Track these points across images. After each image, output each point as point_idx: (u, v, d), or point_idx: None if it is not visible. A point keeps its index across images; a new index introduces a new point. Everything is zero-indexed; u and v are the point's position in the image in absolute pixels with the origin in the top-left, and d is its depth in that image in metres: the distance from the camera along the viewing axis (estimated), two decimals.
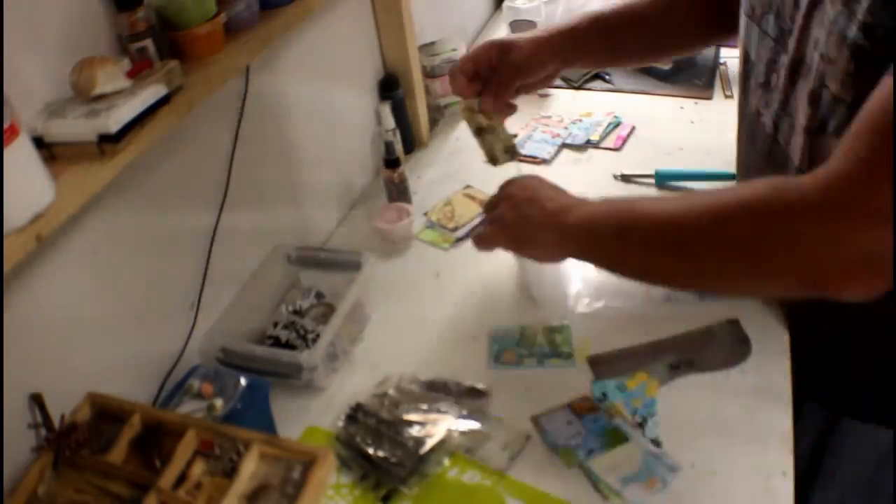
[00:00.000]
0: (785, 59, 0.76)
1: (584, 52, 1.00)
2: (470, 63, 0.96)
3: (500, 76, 0.95)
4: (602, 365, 0.90)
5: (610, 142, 1.35)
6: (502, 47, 0.95)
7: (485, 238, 0.87)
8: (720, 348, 0.89)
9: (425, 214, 1.22)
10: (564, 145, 1.35)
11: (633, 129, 1.37)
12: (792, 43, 0.74)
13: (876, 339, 0.79)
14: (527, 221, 0.82)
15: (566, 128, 1.39)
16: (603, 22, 0.98)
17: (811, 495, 0.93)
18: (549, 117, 1.45)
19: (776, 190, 0.62)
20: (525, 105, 1.49)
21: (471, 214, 1.20)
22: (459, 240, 1.16)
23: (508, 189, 0.87)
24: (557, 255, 0.84)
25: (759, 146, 0.86)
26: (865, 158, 0.56)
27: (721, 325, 0.91)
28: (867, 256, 0.57)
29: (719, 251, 0.66)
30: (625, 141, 1.34)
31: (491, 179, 1.28)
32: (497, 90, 0.96)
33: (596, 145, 1.34)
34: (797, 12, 0.72)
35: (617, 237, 0.75)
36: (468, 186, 1.27)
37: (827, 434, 0.91)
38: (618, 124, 1.39)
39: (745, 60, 0.86)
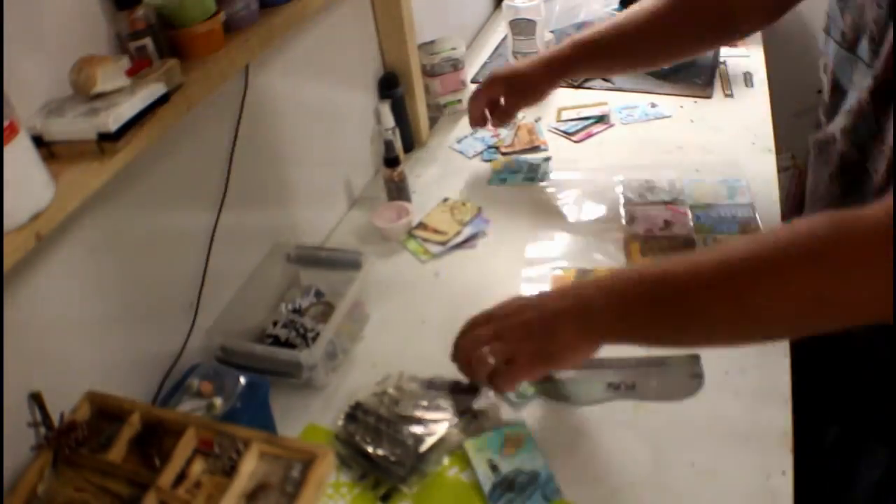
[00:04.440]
0: (872, 83, 0.74)
1: (576, 73, 1.27)
2: (483, 96, 1.20)
3: (507, 106, 1.20)
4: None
5: (578, 136, 1.38)
6: (507, 81, 1.18)
7: (509, 378, 0.74)
8: (668, 380, 0.87)
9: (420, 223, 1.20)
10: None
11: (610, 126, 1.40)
12: (880, 65, 0.72)
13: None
14: (548, 333, 0.72)
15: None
16: (590, 45, 1.11)
17: None
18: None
19: (839, 230, 0.58)
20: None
21: (449, 227, 1.18)
22: (438, 255, 1.14)
23: (503, 318, 0.75)
24: (591, 349, 0.73)
25: (832, 170, 0.85)
26: None
27: (678, 357, 0.88)
28: None
29: (792, 304, 0.60)
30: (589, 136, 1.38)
31: (486, 181, 1.29)
32: (503, 116, 1.22)
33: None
34: (887, 35, 0.70)
35: (664, 306, 0.67)
36: (447, 199, 1.25)
37: (850, 461, 0.90)
38: (600, 119, 1.41)
39: (835, 88, 0.84)
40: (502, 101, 1.21)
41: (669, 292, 0.66)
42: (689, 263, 0.66)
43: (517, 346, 0.73)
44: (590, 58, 1.12)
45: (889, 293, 0.55)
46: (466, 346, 0.76)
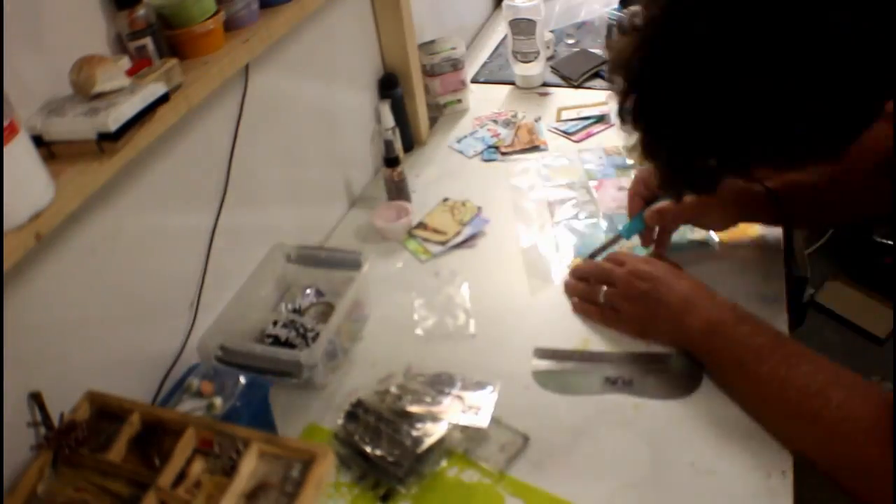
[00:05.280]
0: None
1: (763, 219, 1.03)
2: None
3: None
4: (546, 358, 0.92)
5: (578, 135, 1.38)
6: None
7: (606, 321, 0.95)
8: (666, 378, 0.87)
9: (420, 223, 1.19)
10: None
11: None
12: None
13: None
14: (651, 317, 0.89)
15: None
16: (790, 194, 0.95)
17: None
18: (499, 112, 1.48)
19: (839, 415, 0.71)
20: (522, 102, 1.51)
21: (449, 227, 1.17)
22: (437, 254, 1.14)
23: (626, 275, 0.92)
24: (677, 345, 0.89)
25: None
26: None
27: (678, 357, 0.88)
28: None
29: (819, 447, 0.74)
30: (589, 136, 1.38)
31: (485, 180, 1.29)
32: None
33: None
34: None
35: (730, 371, 0.82)
36: (447, 199, 1.24)
37: None
38: (600, 119, 1.41)
39: None
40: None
41: (739, 361, 0.81)
42: (764, 349, 0.79)
43: (625, 303, 0.92)
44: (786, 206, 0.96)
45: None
46: (593, 272, 0.98)
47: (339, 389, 0.92)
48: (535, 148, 1.36)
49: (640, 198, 1.02)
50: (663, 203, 0.98)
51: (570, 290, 1.02)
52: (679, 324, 0.86)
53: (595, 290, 0.96)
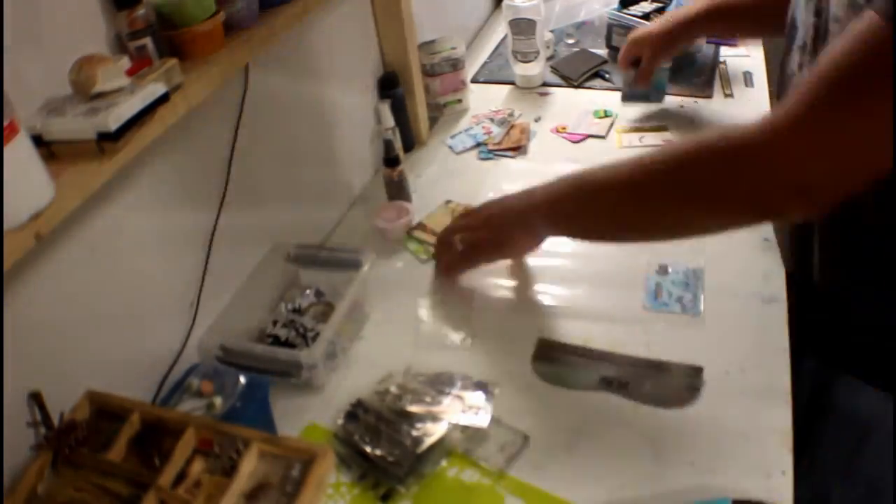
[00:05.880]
0: (815, 21, 0.83)
1: (705, 33, 1.37)
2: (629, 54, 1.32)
3: (647, 64, 1.30)
4: (548, 349, 0.93)
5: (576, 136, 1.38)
6: (649, 42, 1.29)
7: (470, 259, 1.00)
8: (662, 386, 0.86)
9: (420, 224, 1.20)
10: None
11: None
12: (821, 5, 0.81)
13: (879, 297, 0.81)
14: (500, 225, 0.94)
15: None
16: (722, 11, 1.19)
17: (802, 453, 0.95)
18: (497, 111, 1.48)
19: (722, 134, 0.71)
20: (522, 102, 1.51)
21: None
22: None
23: (464, 216, 1.01)
24: (536, 242, 0.96)
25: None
26: (801, 102, 0.65)
27: (679, 366, 0.88)
28: (800, 188, 0.66)
29: (677, 196, 0.74)
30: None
31: (486, 180, 1.29)
32: (646, 74, 1.31)
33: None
34: None
35: (582, 202, 0.84)
36: (449, 202, 1.24)
37: (823, 391, 0.96)
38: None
39: (791, 26, 0.91)
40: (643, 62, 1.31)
41: (588, 191, 0.83)
42: (610, 168, 0.80)
43: (477, 234, 0.97)
44: (722, 21, 1.22)
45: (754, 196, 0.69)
46: (443, 232, 1.04)
47: (339, 389, 0.92)
48: (517, 149, 1.35)
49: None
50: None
51: (439, 266, 1.06)
52: (531, 210, 0.89)
53: (446, 239, 1.02)
